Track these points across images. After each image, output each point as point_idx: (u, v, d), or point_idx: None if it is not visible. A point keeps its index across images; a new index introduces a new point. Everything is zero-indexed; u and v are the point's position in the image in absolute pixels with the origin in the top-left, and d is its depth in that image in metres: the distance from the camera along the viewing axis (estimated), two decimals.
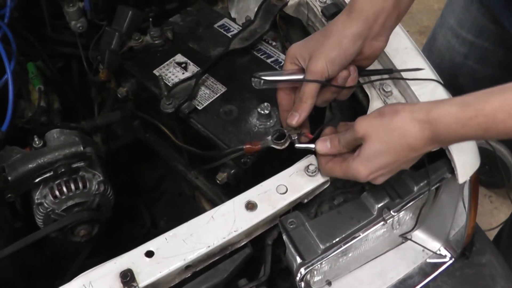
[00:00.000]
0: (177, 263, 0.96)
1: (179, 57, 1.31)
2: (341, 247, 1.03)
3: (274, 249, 1.08)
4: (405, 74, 1.16)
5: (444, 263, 1.27)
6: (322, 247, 1.01)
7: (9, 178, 1.13)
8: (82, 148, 1.17)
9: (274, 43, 1.34)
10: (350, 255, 1.13)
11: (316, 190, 1.08)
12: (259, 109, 1.14)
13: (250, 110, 1.19)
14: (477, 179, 1.21)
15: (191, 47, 1.33)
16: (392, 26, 1.07)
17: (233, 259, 1.03)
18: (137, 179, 1.66)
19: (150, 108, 1.30)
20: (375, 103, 1.17)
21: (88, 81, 1.49)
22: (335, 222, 1.05)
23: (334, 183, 1.10)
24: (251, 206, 1.03)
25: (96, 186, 1.21)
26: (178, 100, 1.17)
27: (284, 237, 1.03)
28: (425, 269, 1.26)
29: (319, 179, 1.07)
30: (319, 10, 1.29)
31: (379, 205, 1.06)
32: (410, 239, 1.25)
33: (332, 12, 1.27)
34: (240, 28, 1.36)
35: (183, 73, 1.27)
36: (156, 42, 1.32)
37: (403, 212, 1.11)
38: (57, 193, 1.17)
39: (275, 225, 1.06)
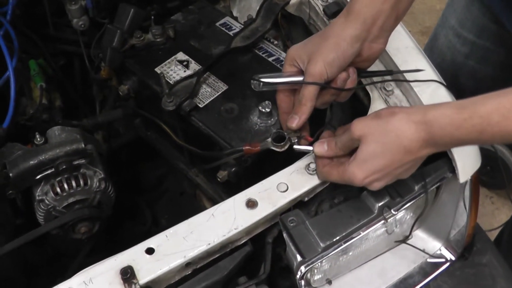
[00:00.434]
0: (178, 260, 0.96)
1: (181, 55, 1.31)
2: (341, 245, 1.03)
3: (274, 247, 1.08)
4: (406, 75, 1.16)
5: (445, 263, 1.27)
6: (322, 245, 1.01)
7: (10, 174, 1.13)
8: (83, 145, 1.17)
9: (275, 42, 1.35)
10: (350, 254, 1.13)
11: (317, 189, 1.07)
12: (260, 107, 1.15)
13: (251, 108, 1.19)
14: (478, 179, 1.21)
15: (193, 45, 1.34)
16: (390, 28, 1.07)
17: (233, 257, 1.03)
18: (139, 177, 1.67)
19: (151, 106, 1.30)
20: (376, 102, 1.17)
21: (89, 79, 1.49)
22: (335, 221, 1.04)
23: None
24: (251, 204, 1.03)
25: (97, 184, 1.21)
26: (179, 98, 1.18)
27: (285, 235, 1.02)
28: (426, 269, 1.26)
29: None
30: (321, 9, 1.29)
31: (380, 204, 1.06)
32: (408, 243, 1.24)
33: (333, 11, 1.27)
34: (242, 26, 1.36)
35: (184, 71, 1.27)
36: (157, 40, 1.32)
37: (403, 211, 1.11)
38: (58, 190, 1.18)
39: (275, 223, 1.06)
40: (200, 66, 1.28)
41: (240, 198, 1.04)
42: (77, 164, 1.18)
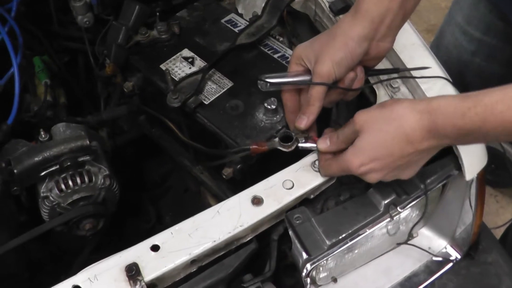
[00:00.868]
0: (183, 258, 0.96)
1: (186, 52, 1.31)
2: (347, 243, 1.02)
3: (280, 245, 1.08)
4: (413, 73, 1.15)
5: (450, 261, 1.27)
6: (328, 243, 1.01)
7: (15, 171, 1.13)
8: (88, 142, 1.17)
9: (281, 39, 1.34)
10: (356, 251, 1.13)
11: (323, 186, 1.07)
12: (265, 104, 1.14)
13: (256, 105, 1.19)
14: (484, 177, 1.20)
15: (198, 42, 1.33)
16: (398, 26, 1.07)
17: (238, 254, 1.03)
18: (143, 174, 1.66)
19: (156, 103, 1.30)
20: (383, 99, 1.17)
21: (94, 76, 1.49)
22: (341, 218, 1.04)
23: (340, 179, 1.09)
24: (257, 201, 1.02)
25: (102, 180, 1.21)
26: (185, 94, 1.17)
27: (290, 232, 1.02)
28: (431, 267, 1.25)
29: None
30: (327, 6, 1.29)
31: (386, 202, 1.05)
32: (411, 244, 1.23)
33: (339, 8, 1.26)
34: (247, 23, 1.35)
35: (189, 68, 1.27)
36: (162, 36, 1.32)
37: (409, 209, 1.10)
38: (62, 186, 1.17)
39: (281, 221, 1.06)
40: (205, 63, 1.27)
41: (246, 195, 1.03)
42: (82, 160, 1.18)
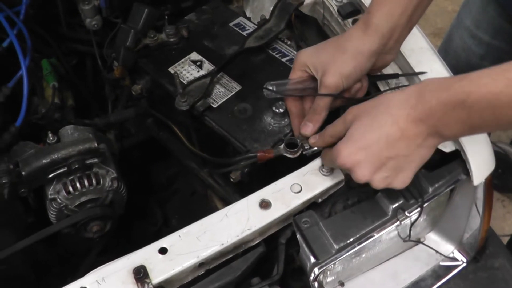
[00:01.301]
0: (191, 261, 0.96)
1: (194, 55, 1.31)
2: (355, 247, 1.02)
3: (287, 248, 1.08)
4: (421, 77, 1.16)
5: (457, 266, 1.26)
6: (336, 247, 1.00)
7: (23, 173, 1.13)
8: (96, 144, 1.17)
9: (289, 42, 1.34)
10: (363, 256, 1.12)
11: (331, 190, 1.07)
12: (274, 108, 1.14)
13: (264, 109, 1.19)
14: (492, 182, 1.20)
15: (206, 45, 1.33)
16: (404, 39, 1.08)
17: (246, 257, 1.03)
18: (149, 177, 1.66)
19: (164, 106, 1.30)
20: None
21: (101, 78, 1.49)
22: (349, 222, 1.04)
23: (348, 182, 1.09)
24: (265, 204, 1.02)
25: (110, 183, 1.21)
26: (193, 97, 1.17)
27: (298, 236, 1.02)
28: (438, 272, 1.25)
29: (334, 179, 1.06)
30: (335, 9, 1.29)
31: (394, 206, 1.05)
32: (423, 243, 1.23)
33: (348, 11, 1.26)
34: (255, 27, 1.36)
35: (198, 71, 1.27)
36: (171, 40, 1.32)
37: (417, 213, 1.10)
38: (70, 188, 1.18)
39: (288, 224, 1.06)
40: (214, 66, 1.27)
41: (254, 198, 1.03)
42: (90, 163, 1.18)
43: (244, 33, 1.36)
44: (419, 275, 1.24)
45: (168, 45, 1.33)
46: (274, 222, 1.02)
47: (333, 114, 1.22)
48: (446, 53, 1.78)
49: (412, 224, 1.07)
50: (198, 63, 1.29)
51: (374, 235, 1.04)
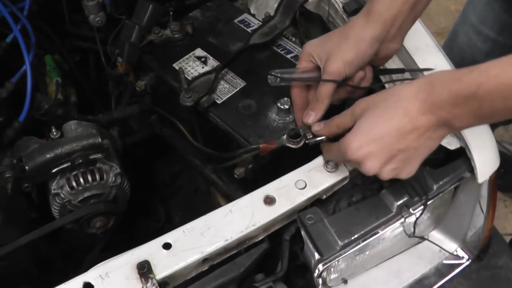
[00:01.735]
0: (195, 256, 0.96)
1: (199, 52, 1.31)
2: (359, 244, 1.02)
3: (291, 245, 1.07)
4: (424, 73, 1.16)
5: (461, 264, 1.26)
6: (340, 243, 1.00)
7: (26, 167, 1.13)
8: (99, 139, 1.17)
9: (294, 39, 1.34)
10: (367, 253, 1.12)
11: (335, 186, 1.07)
12: (278, 104, 1.14)
13: (269, 105, 1.19)
14: (496, 180, 1.20)
15: (211, 42, 1.33)
16: (407, 28, 1.08)
17: (250, 253, 1.02)
18: (152, 174, 1.66)
19: (168, 102, 1.30)
20: None
21: (105, 75, 1.49)
22: (353, 219, 1.04)
23: (353, 180, 1.09)
24: (269, 200, 1.02)
25: (113, 178, 1.21)
26: (198, 93, 1.17)
27: (303, 232, 1.02)
28: (442, 270, 1.25)
29: (338, 175, 1.06)
30: (340, 6, 1.29)
31: (398, 203, 1.05)
32: (428, 239, 1.23)
33: (353, 9, 1.26)
34: (260, 23, 1.36)
35: (202, 67, 1.27)
36: (175, 36, 1.32)
37: (421, 210, 1.10)
38: (74, 184, 1.18)
39: (292, 221, 1.06)
40: (218, 63, 1.27)
41: (258, 194, 1.03)
42: (93, 158, 1.18)
43: (249, 30, 1.35)
44: (423, 273, 1.24)
45: (172, 41, 1.32)
46: (278, 218, 1.02)
47: (337, 109, 1.22)
48: (451, 50, 1.77)
49: (417, 220, 1.07)
50: (203, 59, 1.28)
51: (378, 232, 1.04)
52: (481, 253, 1.27)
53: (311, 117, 1.06)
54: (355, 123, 0.96)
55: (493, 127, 1.18)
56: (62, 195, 1.18)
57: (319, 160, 1.08)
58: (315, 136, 1.07)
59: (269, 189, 1.04)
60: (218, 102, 1.20)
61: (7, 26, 1.31)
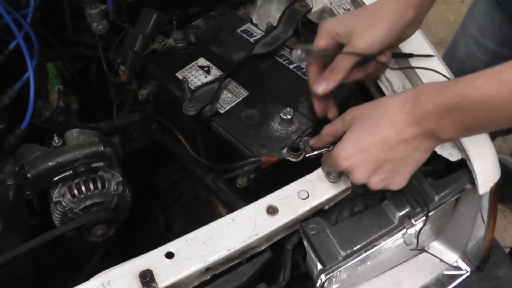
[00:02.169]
0: (197, 265, 0.96)
1: (202, 61, 1.31)
2: (361, 254, 1.02)
3: (293, 255, 1.08)
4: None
5: (461, 275, 1.27)
6: (343, 253, 1.01)
7: (28, 175, 1.13)
8: (102, 148, 1.17)
9: None
10: (368, 263, 1.13)
11: (338, 197, 1.07)
12: (281, 114, 1.14)
13: (271, 115, 1.19)
14: (497, 191, 1.21)
15: (214, 51, 1.34)
16: (426, 11, 1.08)
17: (252, 263, 1.03)
18: (152, 182, 1.66)
19: (170, 111, 1.30)
20: None
21: (106, 82, 1.49)
22: (356, 229, 1.04)
23: (355, 190, 1.10)
24: (272, 210, 1.02)
25: (115, 187, 1.21)
26: (201, 103, 1.17)
27: (305, 242, 1.02)
28: (442, 281, 1.25)
29: (341, 186, 1.06)
30: None
31: (401, 214, 1.06)
32: (427, 251, 1.23)
33: None
34: (263, 33, 1.36)
35: (205, 77, 1.27)
36: (179, 45, 1.32)
37: (423, 221, 1.10)
38: (75, 192, 1.17)
39: (295, 231, 1.06)
40: (221, 72, 1.27)
41: (261, 204, 1.04)
42: (96, 166, 1.18)
43: (252, 40, 1.36)
44: (423, 283, 1.24)
45: (175, 50, 1.33)
46: (281, 228, 1.02)
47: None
48: (451, 60, 1.78)
49: (419, 232, 1.07)
50: (206, 69, 1.29)
51: (381, 243, 1.04)
52: (482, 264, 1.27)
53: (322, 86, 1.06)
54: (345, 132, 0.97)
55: (492, 138, 1.19)
56: (63, 203, 1.18)
57: (321, 171, 1.08)
58: (314, 149, 1.07)
59: (271, 199, 1.04)
60: (221, 111, 1.20)
61: (10, 33, 1.31)
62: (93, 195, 1.19)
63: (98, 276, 0.96)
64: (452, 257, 1.27)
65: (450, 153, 1.12)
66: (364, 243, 1.03)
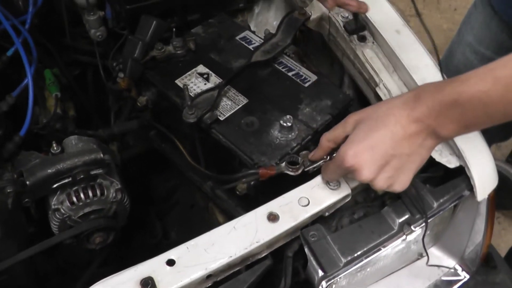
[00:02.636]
0: (198, 272, 0.95)
1: (201, 68, 1.31)
2: (362, 260, 1.03)
3: (293, 261, 1.08)
4: None
5: (459, 280, 1.27)
6: (344, 260, 1.01)
7: (27, 182, 1.13)
8: (101, 155, 1.17)
9: (292, 55, 1.35)
10: (368, 270, 1.13)
11: (338, 204, 1.07)
12: (281, 121, 1.15)
13: (271, 122, 1.19)
14: (494, 198, 1.22)
15: (213, 58, 1.34)
16: None
17: (253, 270, 1.02)
18: (149, 189, 1.66)
19: (169, 118, 1.30)
20: None
21: (103, 89, 1.49)
22: (356, 236, 1.05)
23: (354, 197, 1.10)
24: (273, 217, 1.02)
25: (114, 194, 1.21)
26: (201, 110, 1.17)
27: (306, 249, 1.02)
28: (440, 286, 1.26)
29: (341, 193, 1.07)
30: (341, 25, 1.31)
31: (400, 220, 1.06)
32: (428, 260, 1.24)
33: (354, 28, 1.28)
34: (261, 40, 1.37)
35: (205, 84, 1.27)
36: (178, 52, 1.32)
37: (422, 228, 1.11)
38: (74, 199, 1.17)
39: (295, 237, 1.06)
40: (220, 79, 1.28)
41: (262, 211, 1.04)
42: (95, 174, 1.18)
43: (250, 47, 1.36)
44: None
45: (175, 57, 1.33)
46: (282, 235, 1.02)
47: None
48: (447, 68, 1.79)
49: (423, 237, 1.08)
50: (205, 76, 1.29)
51: (381, 249, 1.04)
52: (479, 270, 1.28)
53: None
54: (347, 137, 0.97)
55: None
56: (62, 210, 1.17)
57: (320, 178, 1.09)
58: (313, 162, 1.08)
59: (272, 206, 1.04)
60: (221, 118, 1.20)
61: (7, 39, 1.31)
62: (92, 202, 1.19)
63: (99, 283, 0.95)
64: (450, 263, 1.28)
65: (448, 160, 1.13)
66: (365, 249, 1.03)
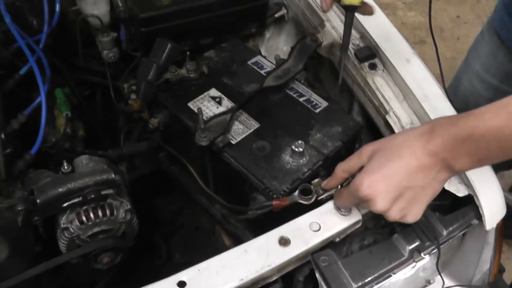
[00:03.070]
0: None
1: (214, 92, 1.32)
2: (372, 286, 1.03)
3: (303, 286, 1.08)
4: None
5: None
6: (354, 285, 1.02)
7: (38, 201, 1.13)
8: (113, 175, 1.17)
9: (302, 81, 1.36)
10: None
11: (348, 230, 1.08)
12: (293, 147, 1.15)
13: (282, 147, 1.20)
14: (503, 227, 1.22)
15: (225, 82, 1.35)
16: None
17: None
18: (154, 211, 1.66)
19: (180, 140, 1.31)
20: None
21: (112, 110, 1.50)
22: (367, 262, 1.05)
23: (365, 223, 1.11)
24: (284, 241, 1.03)
25: (123, 214, 1.21)
26: (213, 133, 1.18)
27: (317, 274, 1.03)
28: None
29: (351, 219, 1.08)
30: (352, 53, 1.32)
31: (410, 247, 1.07)
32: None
33: (365, 55, 1.30)
34: (273, 65, 1.38)
35: (217, 107, 1.28)
36: (191, 75, 1.34)
37: (431, 255, 1.12)
38: (84, 218, 1.17)
39: (306, 262, 1.07)
40: (232, 103, 1.29)
41: (273, 235, 1.04)
42: (105, 194, 1.18)
43: (262, 72, 1.38)
44: None
45: (188, 80, 1.34)
46: (293, 260, 1.03)
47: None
48: (454, 96, 1.81)
49: (437, 263, 1.08)
50: (217, 100, 1.30)
51: (391, 275, 1.05)
52: None
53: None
54: (362, 168, 0.98)
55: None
56: (71, 229, 1.17)
57: (332, 203, 1.09)
58: (325, 191, 1.09)
59: (284, 230, 1.05)
60: (233, 142, 1.21)
61: (20, 58, 1.32)
62: (101, 222, 1.19)
63: None
64: None
65: (457, 189, 1.14)
66: (375, 275, 1.04)
